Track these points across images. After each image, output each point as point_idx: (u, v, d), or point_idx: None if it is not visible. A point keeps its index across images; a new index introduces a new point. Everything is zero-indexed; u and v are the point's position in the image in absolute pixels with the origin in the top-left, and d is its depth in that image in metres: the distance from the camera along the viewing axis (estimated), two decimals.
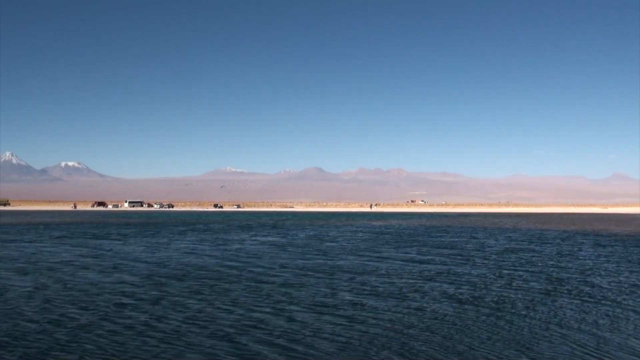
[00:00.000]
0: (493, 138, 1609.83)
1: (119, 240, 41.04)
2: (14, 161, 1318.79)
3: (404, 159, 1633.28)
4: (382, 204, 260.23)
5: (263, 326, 12.85)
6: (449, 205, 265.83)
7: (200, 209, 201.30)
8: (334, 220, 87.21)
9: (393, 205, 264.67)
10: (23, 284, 19.04)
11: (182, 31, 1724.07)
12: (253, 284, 19.23)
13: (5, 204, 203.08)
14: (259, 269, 23.28)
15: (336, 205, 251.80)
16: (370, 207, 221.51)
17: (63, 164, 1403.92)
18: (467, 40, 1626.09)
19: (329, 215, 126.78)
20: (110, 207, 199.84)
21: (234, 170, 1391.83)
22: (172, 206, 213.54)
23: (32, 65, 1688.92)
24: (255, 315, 14.06)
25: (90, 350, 10.99)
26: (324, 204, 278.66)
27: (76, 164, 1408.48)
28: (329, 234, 49.50)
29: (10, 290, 17.91)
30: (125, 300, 16.03)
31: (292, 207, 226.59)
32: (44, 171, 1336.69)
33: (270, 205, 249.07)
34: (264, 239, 43.22)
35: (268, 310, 14.69)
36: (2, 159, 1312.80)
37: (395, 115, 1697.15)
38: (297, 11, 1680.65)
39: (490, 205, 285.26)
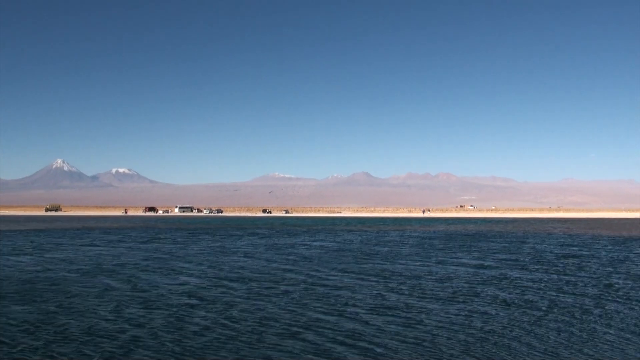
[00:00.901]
0: (544, 141, 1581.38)
1: (177, 243, 41.82)
2: (65, 168, 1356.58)
3: (453, 164, 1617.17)
4: (433, 210, 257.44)
5: (329, 326, 13.04)
6: (498, 210, 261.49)
7: (249, 214, 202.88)
8: (384, 226, 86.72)
9: (442, 210, 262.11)
10: (91, 286, 19.54)
11: (230, 38, 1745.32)
12: (313, 286, 19.39)
13: (57, 210, 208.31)
14: (317, 273, 23.43)
15: (384, 211, 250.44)
16: (423, 213, 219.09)
17: (114, 170, 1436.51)
18: (519, 42, 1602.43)
19: (378, 220, 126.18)
20: (160, 213, 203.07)
21: (282, 175, 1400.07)
22: (221, 212, 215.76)
23: (84, 74, 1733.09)
24: (319, 316, 14.25)
25: (169, 349, 11.32)
26: (372, 209, 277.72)
27: (127, 171, 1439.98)
28: (382, 239, 49.32)
29: (80, 291, 18.40)
30: (193, 302, 16.40)
31: (340, 213, 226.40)
32: (95, 177, 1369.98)
33: (318, 210, 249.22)
34: (317, 243, 43.48)
35: (331, 311, 14.87)
36: (54, 166, 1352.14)
37: (444, 119, 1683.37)
38: (346, 14, 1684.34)
39: (541, 210, 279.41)
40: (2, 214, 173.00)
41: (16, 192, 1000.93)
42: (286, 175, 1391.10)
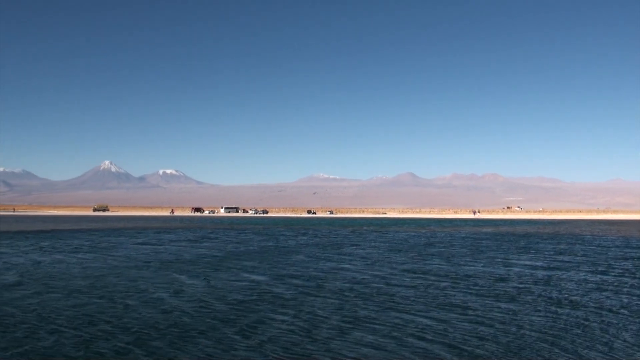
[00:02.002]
0: (592, 141, 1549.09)
1: (237, 242, 42.15)
2: (113, 169, 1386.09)
3: (500, 164, 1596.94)
4: (482, 211, 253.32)
5: (412, 325, 13.05)
6: (546, 211, 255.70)
7: (293, 214, 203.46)
8: (435, 227, 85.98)
9: (489, 212, 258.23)
10: (163, 281, 19.94)
11: (281, 40, 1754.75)
12: (381, 285, 19.37)
13: (104, 210, 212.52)
14: (380, 272, 23.38)
15: (430, 212, 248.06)
16: (474, 214, 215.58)
17: (161, 171, 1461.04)
18: (569, 41, 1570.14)
19: (425, 221, 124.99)
20: (206, 213, 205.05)
21: (326, 176, 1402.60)
22: (267, 212, 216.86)
23: (131, 78, 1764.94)
24: (409, 317, 14.22)
25: (265, 347, 11.42)
26: (418, 210, 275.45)
27: (174, 172, 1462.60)
28: (436, 240, 48.94)
29: (154, 286, 18.76)
30: (269, 297, 16.64)
31: (385, 214, 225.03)
32: (142, 178, 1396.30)
33: (363, 211, 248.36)
34: (370, 243, 43.27)
35: (415, 310, 14.84)
36: (102, 168, 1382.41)
37: (490, 119, 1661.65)
38: (393, 11, 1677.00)
39: (589, 211, 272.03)
40: (53, 214, 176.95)
41: (65, 192, 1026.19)
42: (330, 176, 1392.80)
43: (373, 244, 42.66)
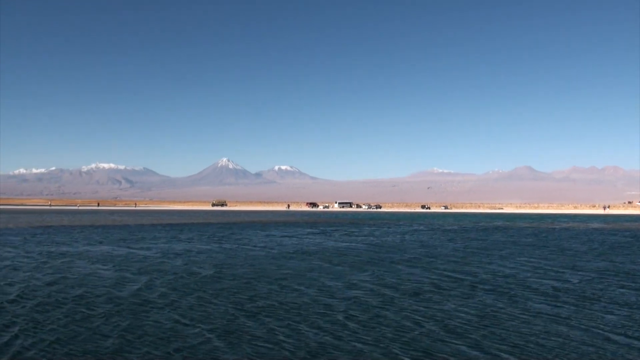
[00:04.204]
0: None
1: (362, 234, 41.85)
2: (230, 166, 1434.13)
3: (621, 156, 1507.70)
4: (612, 206, 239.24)
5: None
6: None
7: (407, 210, 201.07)
8: (562, 222, 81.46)
9: (616, 207, 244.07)
10: (324, 272, 20.24)
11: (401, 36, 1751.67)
12: (551, 282, 18.28)
13: (222, 205, 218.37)
14: (543, 268, 22.32)
15: (548, 207, 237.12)
16: (604, 209, 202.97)
17: (277, 167, 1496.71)
18: None
19: (544, 217, 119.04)
20: (321, 208, 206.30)
21: (440, 171, 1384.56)
22: (380, 207, 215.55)
23: (247, 78, 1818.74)
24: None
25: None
26: (536, 205, 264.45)
27: (289, 168, 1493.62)
28: (578, 236, 45.90)
29: (320, 276, 18.86)
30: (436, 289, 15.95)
31: (502, 209, 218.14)
32: (258, 175, 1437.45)
33: (479, 206, 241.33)
34: (498, 238, 41.20)
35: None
36: (220, 165, 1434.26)
37: (610, 110, 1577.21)
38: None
39: None
40: (174, 208, 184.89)
41: (185, 188, 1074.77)
42: (445, 171, 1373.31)
43: (506, 238, 40.48)
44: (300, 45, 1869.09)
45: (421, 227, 60.37)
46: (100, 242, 34.29)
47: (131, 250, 28.97)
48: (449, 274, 20.56)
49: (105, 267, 21.69)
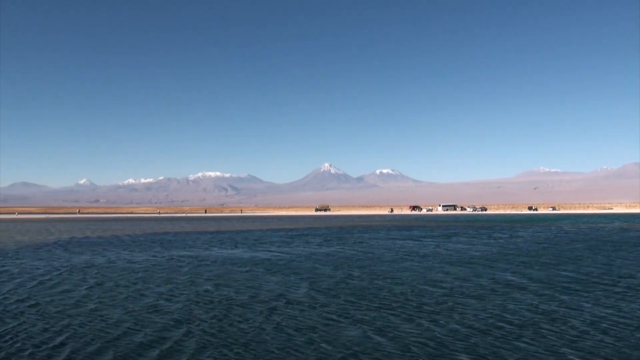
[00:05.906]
0: None
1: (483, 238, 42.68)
2: (332, 171, 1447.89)
3: None
4: None
5: None
6: None
7: (513, 211, 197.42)
8: None
9: None
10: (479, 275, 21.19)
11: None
12: None
13: (325, 210, 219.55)
14: None
15: None
16: None
17: (378, 171, 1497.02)
18: None
19: None
20: (424, 211, 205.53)
21: (547, 170, 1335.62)
22: (485, 209, 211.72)
23: (349, 84, 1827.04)
24: None
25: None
26: None
27: (390, 171, 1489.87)
28: None
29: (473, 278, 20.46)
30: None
31: (611, 209, 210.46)
32: (360, 179, 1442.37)
33: (587, 207, 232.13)
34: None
35: None
36: (322, 170, 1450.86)
37: None
38: None
39: None
40: (280, 214, 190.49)
41: (289, 194, 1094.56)
42: (552, 170, 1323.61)
43: None
44: (400, 45, 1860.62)
45: (547, 232, 55.36)
46: (235, 246, 36.75)
47: (273, 254, 30.75)
48: None
49: (262, 270, 23.36)
